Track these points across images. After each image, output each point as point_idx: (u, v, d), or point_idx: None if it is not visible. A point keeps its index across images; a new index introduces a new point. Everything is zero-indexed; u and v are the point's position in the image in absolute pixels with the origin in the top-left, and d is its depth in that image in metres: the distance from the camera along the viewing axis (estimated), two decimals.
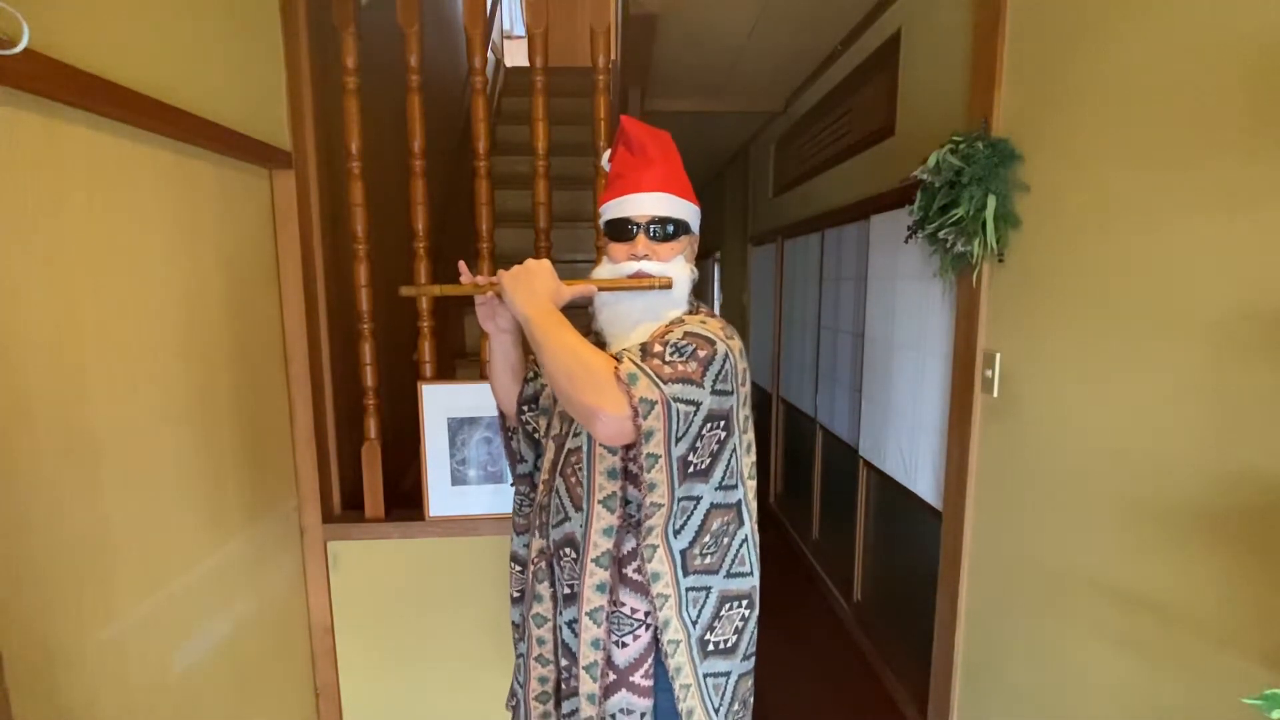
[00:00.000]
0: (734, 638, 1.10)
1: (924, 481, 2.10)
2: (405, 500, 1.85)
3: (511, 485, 1.32)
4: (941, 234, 1.56)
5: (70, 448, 0.94)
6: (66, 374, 0.93)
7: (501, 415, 1.30)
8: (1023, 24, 1.46)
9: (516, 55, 5.04)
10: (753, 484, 1.11)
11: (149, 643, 1.10)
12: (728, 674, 1.10)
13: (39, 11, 0.85)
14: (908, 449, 2.21)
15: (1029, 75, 1.44)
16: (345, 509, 1.83)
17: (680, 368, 0.94)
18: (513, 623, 1.30)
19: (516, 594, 1.28)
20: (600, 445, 1.04)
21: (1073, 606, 1.33)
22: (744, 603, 1.11)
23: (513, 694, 1.31)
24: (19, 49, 0.80)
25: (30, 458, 0.87)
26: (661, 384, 0.91)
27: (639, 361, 0.93)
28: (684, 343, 0.97)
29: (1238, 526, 0.98)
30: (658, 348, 0.96)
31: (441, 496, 1.76)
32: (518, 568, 1.28)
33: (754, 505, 1.12)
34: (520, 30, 5.49)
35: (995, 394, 1.57)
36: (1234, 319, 0.98)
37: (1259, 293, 0.94)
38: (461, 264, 1.14)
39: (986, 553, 1.63)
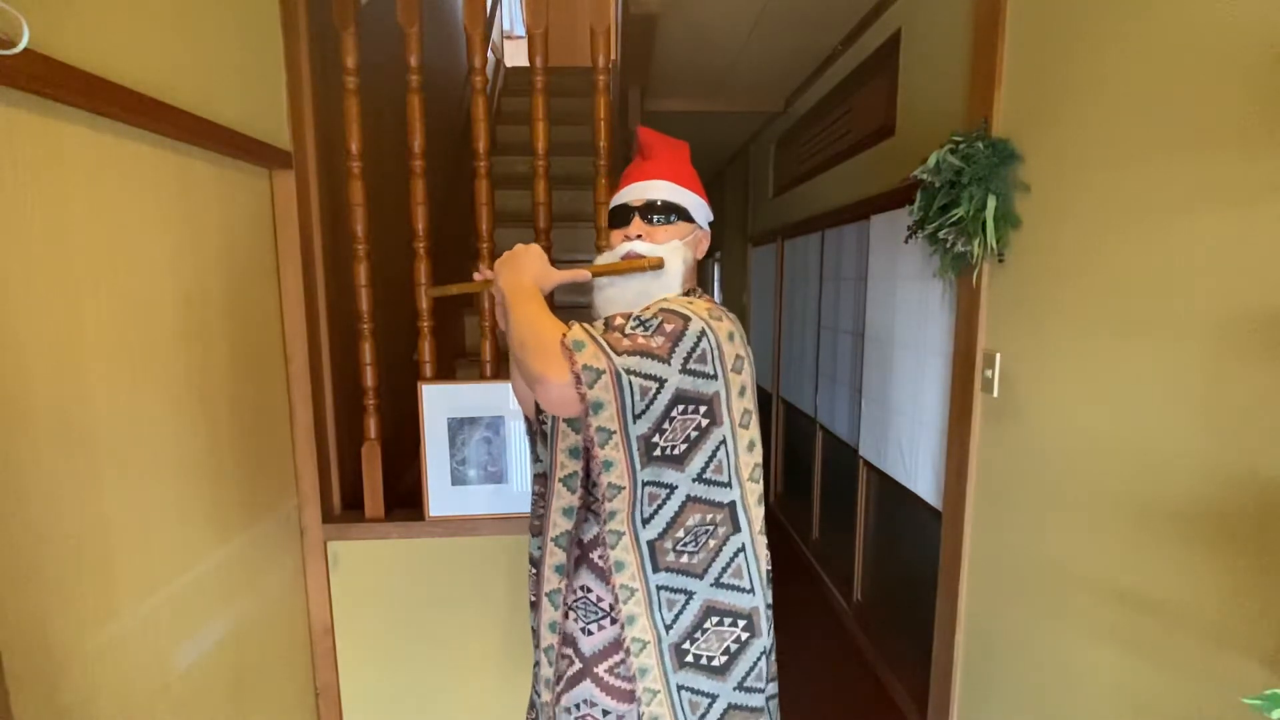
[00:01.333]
0: (722, 658, 1.02)
1: (924, 481, 2.10)
2: (405, 500, 1.85)
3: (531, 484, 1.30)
4: (941, 234, 1.56)
5: (70, 447, 0.94)
6: (66, 374, 0.93)
7: (527, 419, 1.27)
8: (1023, 24, 1.46)
9: (516, 55, 5.04)
10: (755, 487, 1.03)
11: (149, 643, 1.10)
12: (712, 696, 1.02)
13: (39, 11, 0.85)
14: (908, 449, 2.21)
15: (1029, 75, 1.44)
16: (345, 509, 1.83)
17: (640, 341, 0.90)
18: (532, 629, 1.25)
19: (534, 598, 1.23)
20: (563, 422, 1.02)
21: (1073, 606, 1.33)
22: (740, 623, 1.02)
23: (531, 705, 1.26)
24: (19, 49, 0.80)
25: (30, 457, 0.87)
26: (613, 355, 0.88)
27: (593, 332, 0.91)
28: (652, 318, 0.93)
29: (1238, 526, 0.98)
30: (619, 320, 0.93)
31: (441, 496, 1.76)
32: (534, 570, 1.23)
33: (757, 513, 1.04)
34: (520, 30, 5.49)
35: (995, 394, 1.57)
36: (1234, 318, 0.98)
37: (1260, 292, 0.94)
38: (483, 266, 1.16)
39: (986, 553, 1.63)
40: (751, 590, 1.04)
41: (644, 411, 0.90)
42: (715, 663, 1.02)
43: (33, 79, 0.84)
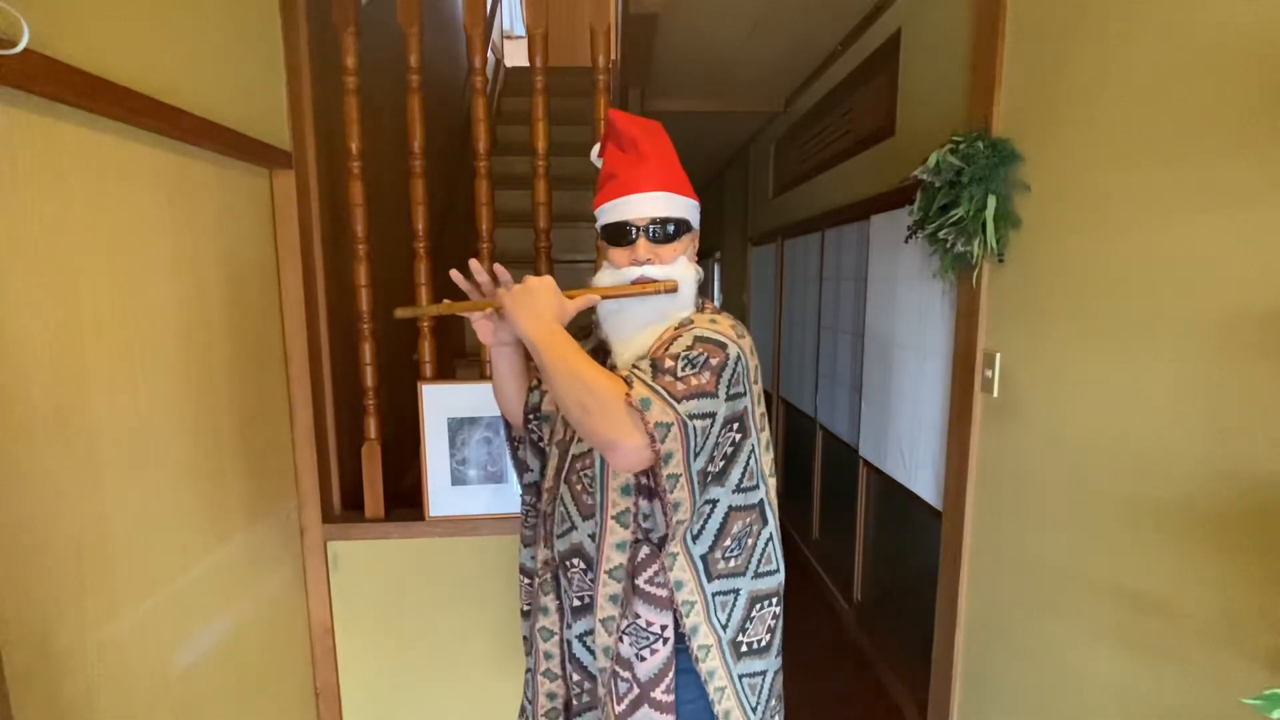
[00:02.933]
0: (767, 637, 1.09)
1: (924, 481, 2.10)
2: (405, 500, 1.85)
3: (520, 493, 1.27)
4: (941, 234, 1.56)
5: (70, 447, 0.94)
6: (66, 374, 0.93)
7: (507, 425, 1.26)
8: (1023, 24, 1.46)
9: (516, 55, 5.04)
10: (773, 480, 1.09)
11: (149, 643, 1.10)
12: (763, 673, 1.09)
13: (39, 11, 0.85)
14: (908, 449, 2.21)
15: (1029, 75, 1.44)
16: (345, 509, 1.83)
17: (694, 382, 0.91)
18: (523, 637, 1.27)
19: (526, 607, 1.25)
20: None
21: (1073, 606, 1.33)
22: (774, 600, 1.10)
23: (523, 710, 1.27)
24: (19, 49, 0.80)
25: (30, 457, 0.87)
26: (675, 403, 0.88)
27: (650, 382, 0.89)
28: (695, 353, 0.93)
29: (1238, 526, 0.98)
30: (669, 363, 0.92)
31: (441, 496, 1.76)
32: (526, 580, 1.24)
33: (775, 502, 1.10)
34: (520, 30, 5.50)
35: (995, 394, 1.57)
36: (1234, 318, 0.98)
37: (1260, 292, 0.94)
38: (455, 274, 1.10)
39: (986, 553, 1.63)
40: (777, 569, 1.11)
41: (702, 447, 0.93)
42: (762, 643, 1.09)
43: (33, 79, 0.84)
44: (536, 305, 0.96)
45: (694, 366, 0.92)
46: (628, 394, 0.88)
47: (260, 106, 1.47)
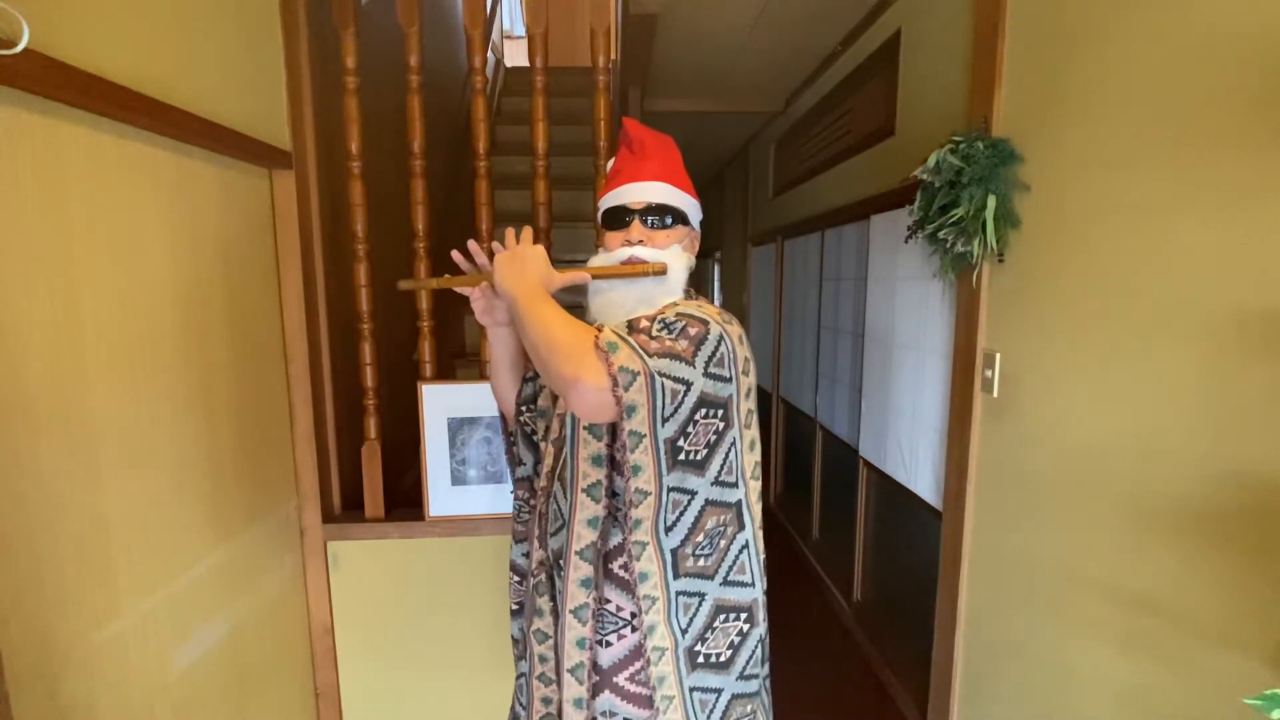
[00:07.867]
0: (728, 652, 1.03)
1: (924, 481, 2.10)
2: (405, 500, 1.85)
3: (511, 493, 1.28)
4: (941, 234, 1.56)
5: (70, 448, 0.94)
6: (66, 374, 0.93)
7: (503, 418, 1.27)
8: (1023, 24, 1.46)
9: (516, 55, 5.04)
10: (756, 485, 1.05)
11: (149, 643, 1.10)
12: (718, 690, 1.03)
13: (39, 11, 0.85)
14: (908, 449, 2.21)
15: (1029, 75, 1.44)
16: (345, 509, 1.83)
17: (668, 343, 0.90)
18: (513, 638, 1.25)
19: (516, 606, 1.23)
20: (584, 430, 0.99)
21: (1073, 606, 1.33)
22: (742, 616, 1.04)
23: (514, 716, 1.26)
24: (19, 49, 0.80)
25: (30, 457, 0.87)
26: (646, 356, 0.87)
27: (622, 333, 0.90)
28: (674, 320, 0.93)
29: (1238, 526, 0.98)
30: (644, 323, 0.93)
31: (441, 496, 1.76)
32: (516, 578, 1.23)
33: (758, 509, 1.06)
34: (520, 30, 5.50)
35: (995, 394, 1.57)
36: (1234, 318, 0.98)
37: (1259, 291, 0.94)
38: (456, 254, 1.13)
39: (986, 553, 1.63)
40: (752, 584, 1.06)
41: (672, 414, 0.90)
42: (721, 659, 1.03)
43: (33, 79, 0.84)
44: (524, 267, 1.00)
45: (670, 331, 0.91)
46: (597, 337, 0.89)
47: (260, 106, 1.47)
